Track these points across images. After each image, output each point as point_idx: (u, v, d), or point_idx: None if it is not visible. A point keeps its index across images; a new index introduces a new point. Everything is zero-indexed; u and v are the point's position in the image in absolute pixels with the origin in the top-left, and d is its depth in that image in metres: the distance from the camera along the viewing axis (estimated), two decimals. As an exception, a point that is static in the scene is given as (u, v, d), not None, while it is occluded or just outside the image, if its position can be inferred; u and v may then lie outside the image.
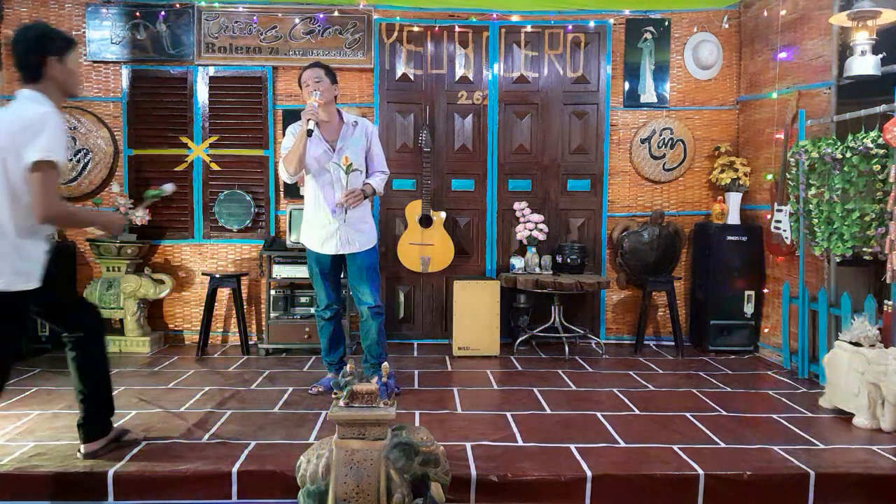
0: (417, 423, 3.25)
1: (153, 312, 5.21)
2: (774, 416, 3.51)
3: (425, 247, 5.11)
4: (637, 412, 3.56)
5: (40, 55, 2.56)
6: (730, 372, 4.49)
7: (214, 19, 5.13)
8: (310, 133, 3.48)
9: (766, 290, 4.98)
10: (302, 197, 4.53)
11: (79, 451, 2.81)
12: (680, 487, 2.70)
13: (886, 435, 3.22)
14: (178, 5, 5.11)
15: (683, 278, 5.42)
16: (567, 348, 4.87)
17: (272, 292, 4.90)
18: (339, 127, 3.71)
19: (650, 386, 4.11)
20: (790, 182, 4.41)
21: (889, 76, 3.79)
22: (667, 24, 5.31)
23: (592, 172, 5.39)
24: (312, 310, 4.42)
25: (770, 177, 4.78)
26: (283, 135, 3.83)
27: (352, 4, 5.15)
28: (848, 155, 3.82)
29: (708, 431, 3.23)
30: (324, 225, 3.71)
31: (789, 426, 3.34)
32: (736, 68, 5.37)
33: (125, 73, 5.17)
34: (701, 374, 4.44)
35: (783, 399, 3.85)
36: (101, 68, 5.18)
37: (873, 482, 2.74)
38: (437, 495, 2.37)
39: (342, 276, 3.91)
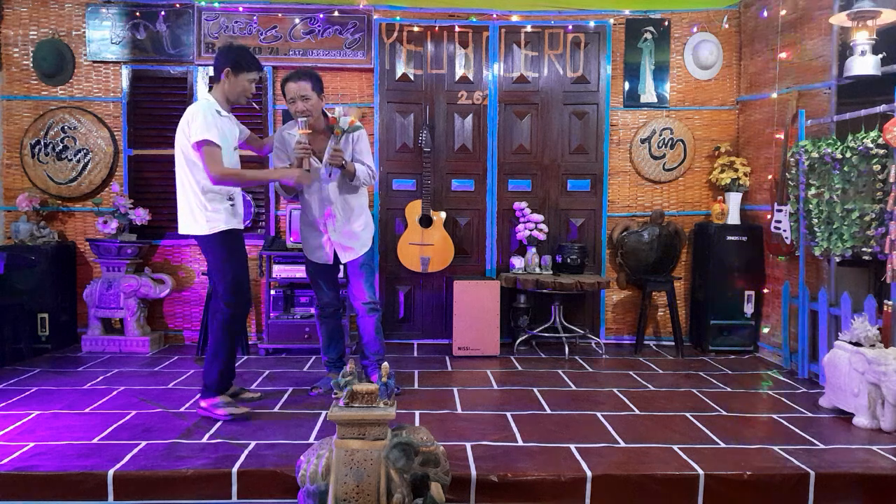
0: (417, 423, 3.25)
1: (153, 312, 5.21)
2: (774, 416, 3.51)
3: (425, 247, 5.11)
4: (637, 412, 3.56)
5: (223, 65, 3.36)
6: (730, 372, 4.49)
7: (214, 19, 5.13)
8: (307, 170, 3.50)
9: (766, 290, 4.98)
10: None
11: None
12: (680, 487, 2.70)
13: (886, 435, 3.22)
14: (178, 5, 5.11)
15: (683, 278, 5.42)
16: (567, 348, 4.87)
17: (272, 292, 4.90)
18: (326, 136, 3.64)
19: (650, 386, 4.11)
20: (790, 182, 4.41)
21: (889, 76, 3.80)
22: (667, 24, 5.31)
23: (592, 172, 5.39)
24: (312, 309, 4.42)
25: (769, 177, 4.78)
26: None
27: (352, 4, 5.15)
28: (848, 155, 3.83)
29: (708, 431, 3.24)
30: (315, 235, 3.73)
31: (789, 426, 3.34)
32: (736, 68, 5.36)
33: (125, 73, 5.17)
34: (701, 374, 4.44)
35: (783, 399, 3.85)
36: (101, 68, 5.18)
37: (873, 482, 2.74)
38: (437, 495, 2.36)
39: (339, 274, 3.93)
